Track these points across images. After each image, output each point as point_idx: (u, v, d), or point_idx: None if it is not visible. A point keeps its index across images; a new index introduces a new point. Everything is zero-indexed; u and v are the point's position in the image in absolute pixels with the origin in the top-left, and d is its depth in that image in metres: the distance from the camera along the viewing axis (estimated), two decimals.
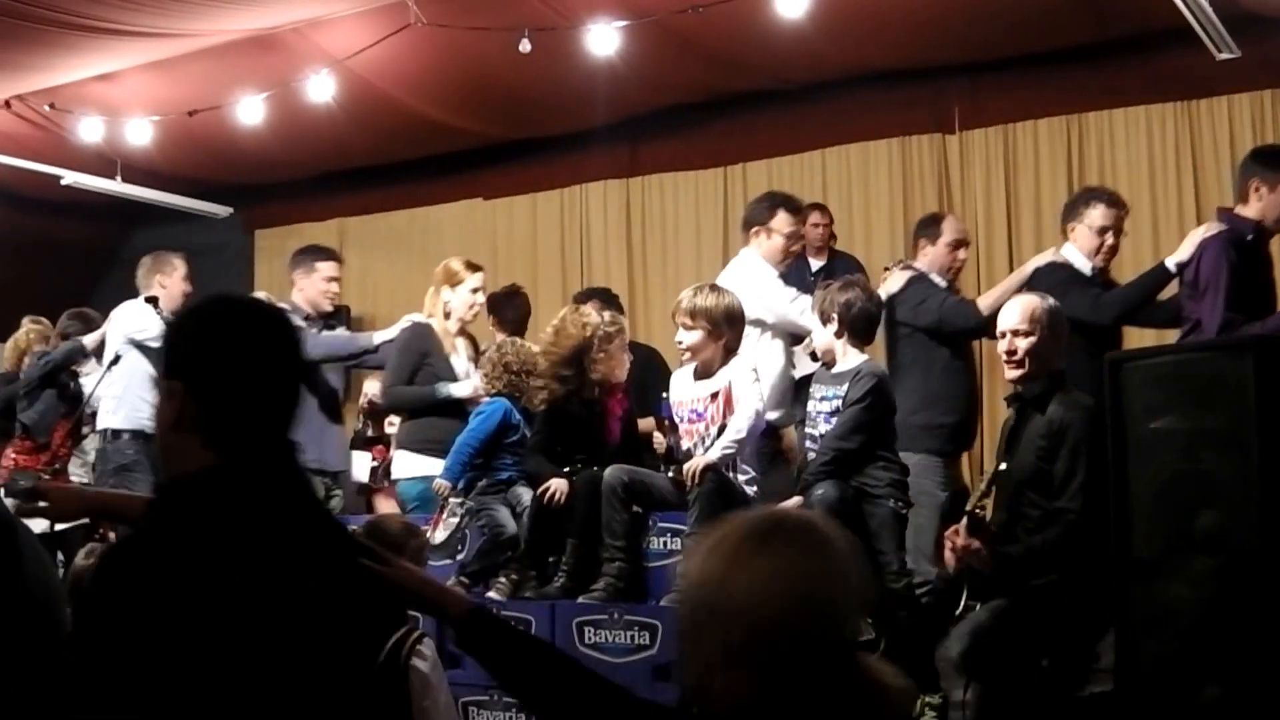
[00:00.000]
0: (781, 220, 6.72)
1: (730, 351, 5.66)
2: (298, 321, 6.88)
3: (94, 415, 8.08)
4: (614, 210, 10.84)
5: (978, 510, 4.63)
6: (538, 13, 7.91)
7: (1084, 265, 6.27)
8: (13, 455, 8.24)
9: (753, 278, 6.53)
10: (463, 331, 6.93)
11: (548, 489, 5.64)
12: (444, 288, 6.83)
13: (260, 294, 8.51)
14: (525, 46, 7.89)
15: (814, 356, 6.03)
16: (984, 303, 6.45)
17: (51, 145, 10.11)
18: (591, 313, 5.97)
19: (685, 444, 5.63)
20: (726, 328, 5.62)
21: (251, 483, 2.12)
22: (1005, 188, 9.44)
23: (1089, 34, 8.54)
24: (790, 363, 6.64)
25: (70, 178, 10.50)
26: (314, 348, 6.95)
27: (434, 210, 11.55)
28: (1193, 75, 8.52)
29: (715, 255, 10.40)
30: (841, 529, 2.01)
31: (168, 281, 8.00)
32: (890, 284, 6.62)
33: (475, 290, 6.85)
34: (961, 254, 6.87)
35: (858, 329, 5.59)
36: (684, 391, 5.73)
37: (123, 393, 7.72)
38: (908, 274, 6.63)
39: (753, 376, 5.60)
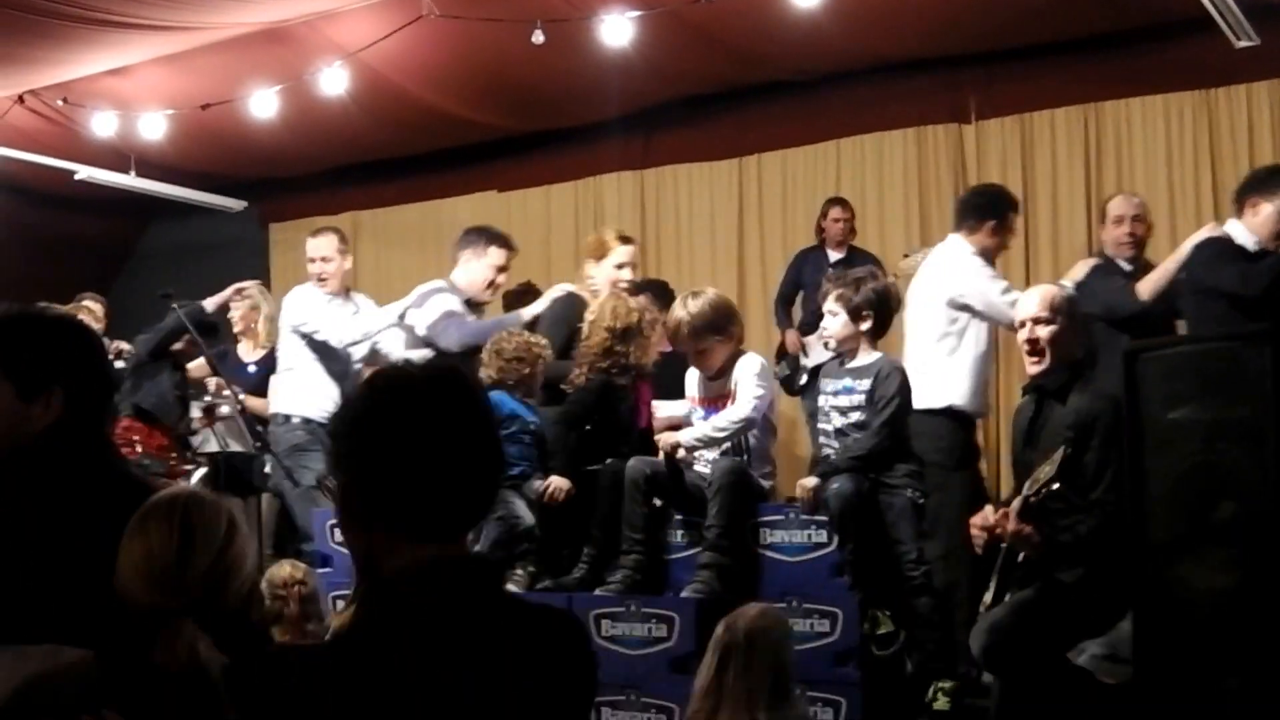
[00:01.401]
0: (1010, 220, 6.64)
1: (738, 342, 5.66)
2: (452, 305, 6.80)
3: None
4: (628, 202, 10.82)
5: (1031, 498, 4.56)
6: (550, 4, 7.89)
7: (1248, 241, 6.03)
8: (135, 438, 7.59)
9: (965, 265, 6.44)
10: None
11: (548, 486, 5.63)
12: (589, 261, 6.60)
13: (253, 282, 8.70)
14: (538, 38, 7.87)
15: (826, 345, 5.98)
16: (1144, 288, 6.34)
17: (65, 140, 10.12)
18: (639, 299, 5.99)
19: None
20: (727, 325, 5.62)
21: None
22: (1022, 177, 9.39)
23: (1106, 22, 8.49)
24: (992, 351, 6.59)
25: (84, 172, 10.50)
26: (465, 334, 6.70)
27: (447, 203, 11.54)
28: (1211, 63, 8.46)
29: (729, 247, 10.40)
30: None
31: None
32: (1075, 271, 6.65)
33: (620, 266, 6.49)
34: (1124, 230, 6.68)
35: (883, 323, 5.56)
36: (698, 389, 5.73)
37: (292, 378, 7.47)
38: (1093, 261, 6.67)
39: (757, 369, 5.59)
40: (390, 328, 7.07)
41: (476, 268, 7.00)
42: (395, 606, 1.91)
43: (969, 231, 6.53)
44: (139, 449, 7.46)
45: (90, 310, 8.68)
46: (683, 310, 5.62)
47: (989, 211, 6.55)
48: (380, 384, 2.06)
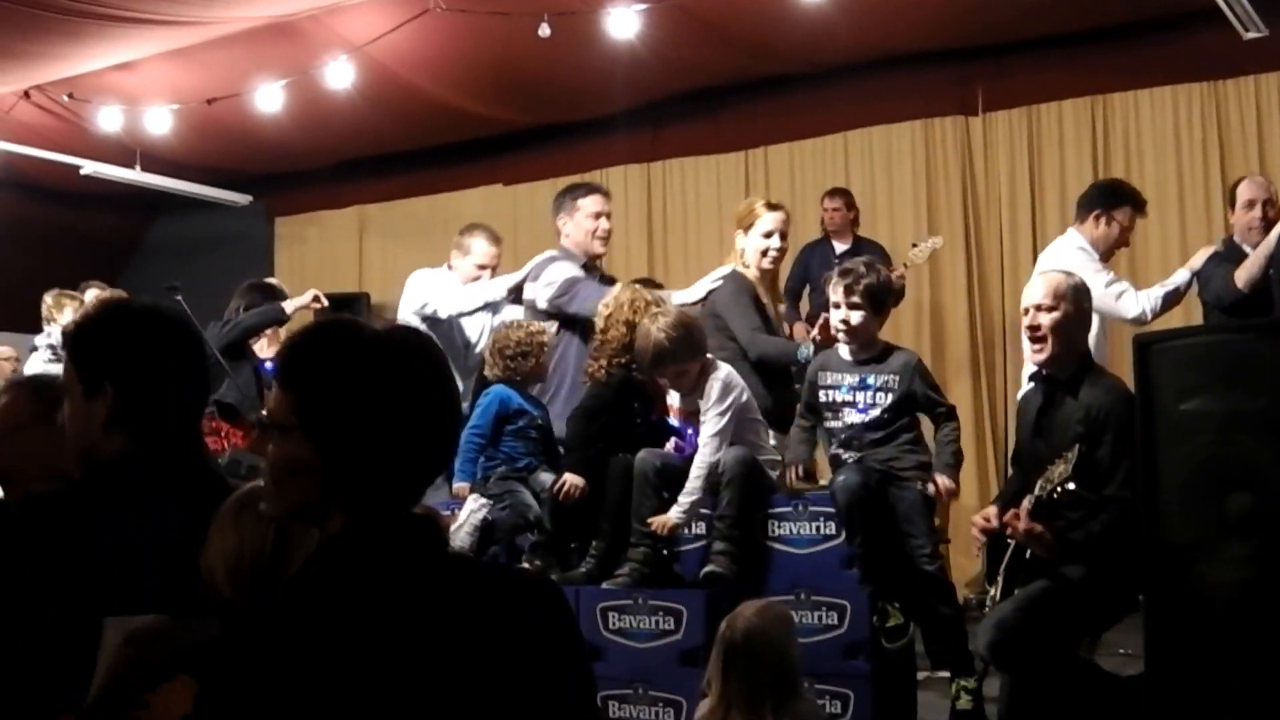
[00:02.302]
0: (1124, 214, 6.63)
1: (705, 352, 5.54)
2: (572, 270, 6.41)
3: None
4: (635, 195, 10.80)
5: (1044, 497, 4.52)
6: None
7: None
8: (228, 431, 7.31)
9: (1069, 256, 6.41)
10: (763, 279, 6.14)
11: (561, 484, 5.60)
12: (738, 232, 6.16)
13: (273, 280, 8.57)
14: (545, 31, 7.86)
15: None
16: (1241, 276, 6.30)
17: (71, 135, 10.13)
18: (651, 293, 5.94)
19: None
20: (701, 342, 5.49)
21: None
22: (1029, 170, 9.38)
23: (1114, 14, 8.47)
24: (1104, 342, 6.52)
25: (90, 167, 10.50)
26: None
27: (455, 196, 11.53)
28: (1219, 55, 8.43)
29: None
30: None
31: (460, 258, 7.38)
32: (1195, 260, 6.66)
33: (769, 234, 6.04)
34: (1255, 215, 6.59)
35: (887, 313, 5.54)
36: (679, 400, 5.69)
37: None
38: (1211, 249, 6.67)
39: (716, 392, 5.38)
40: (509, 306, 6.84)
41: (575, 225, 6.61)
42: (342, 563, 1.91)
43: (1079, 223, 6.65)
44: (225, 444, 7.19)
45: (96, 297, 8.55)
46: (661, 335, 5.34)
47: (1094, 202, 6.61)
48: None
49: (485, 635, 1.87)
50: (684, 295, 6.29)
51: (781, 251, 6.14)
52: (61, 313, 8.09)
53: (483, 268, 7.08)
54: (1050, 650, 4.55)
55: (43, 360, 8.06)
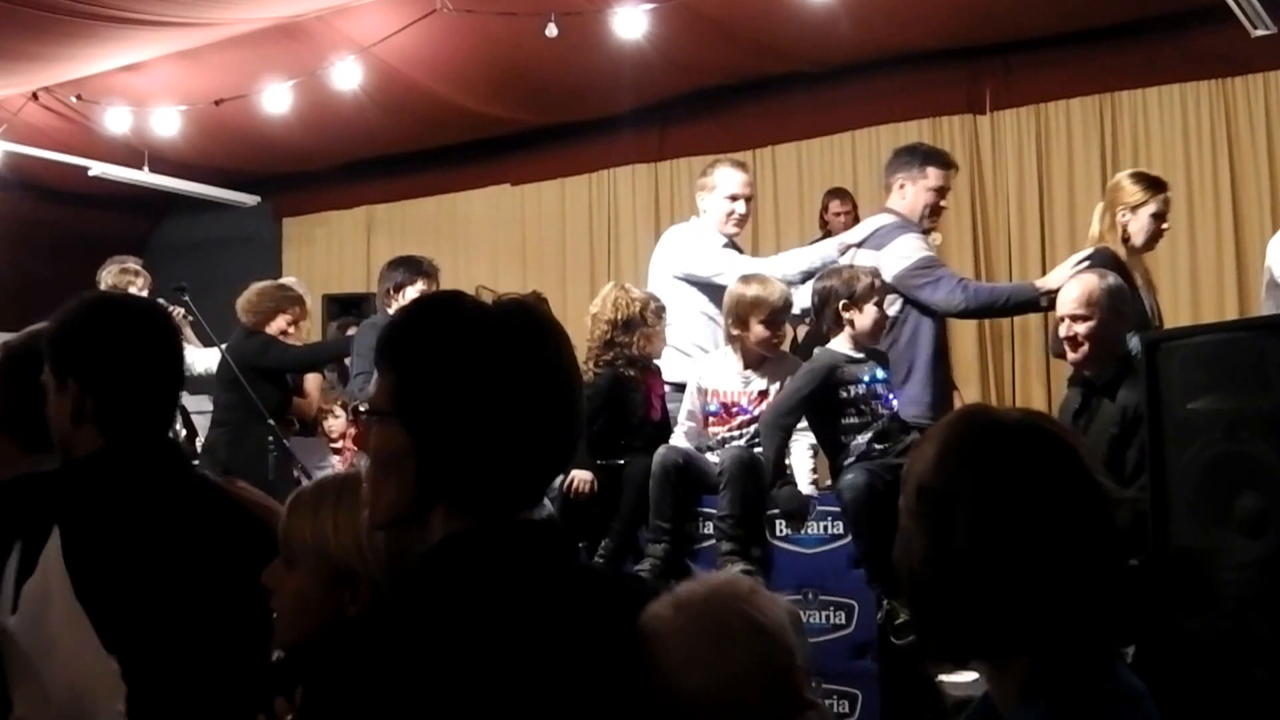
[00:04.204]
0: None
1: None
2: (926, 249, 5.88)
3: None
4: (642, 195, 10.80)
5: None
6: None
7: None
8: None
9: None
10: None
11: (571, 481, 5.59)
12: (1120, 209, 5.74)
13: (290, 279, 8.51)
14: (552, 31, 7.86)
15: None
16: None
17: (78, 136, 10.13)
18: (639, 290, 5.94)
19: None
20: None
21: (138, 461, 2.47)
22: (1038, 168, 9.36)
23: (1122, 11, 8.44)
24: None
25: (98, 169, 10.50)
26: (972, 297, 5.80)
27: (462, 197, 11.54)
28: (1228, 52, 8.41)
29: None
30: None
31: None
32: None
33: (1156, 215, 5.70)
34: None
35: None
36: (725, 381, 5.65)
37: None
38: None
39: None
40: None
41: (916, 191, 6.05)
42: (448, 576, 1.73)
43: None
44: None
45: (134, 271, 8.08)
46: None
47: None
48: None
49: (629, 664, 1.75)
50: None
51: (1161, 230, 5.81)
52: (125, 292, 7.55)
53: (735, 198, 6.20)
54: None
55: None
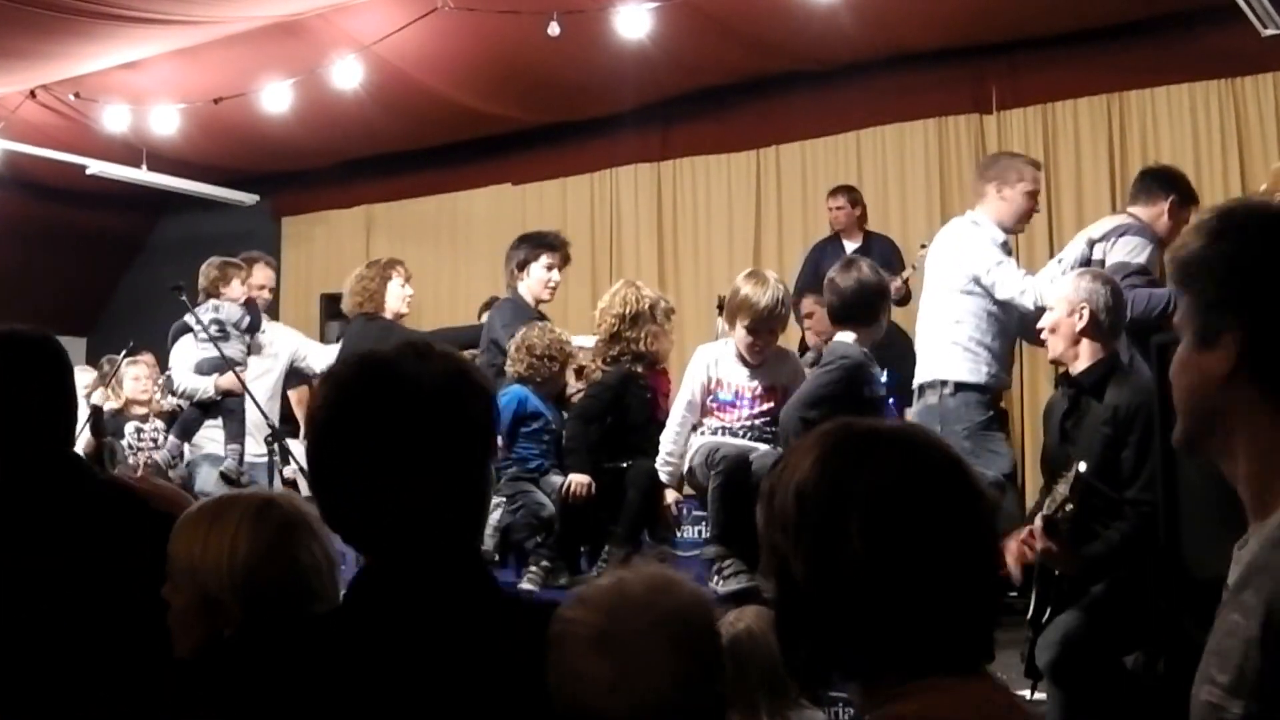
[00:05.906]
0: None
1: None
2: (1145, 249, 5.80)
3: None
4: (645, 194, 10.75)
5: (1049, 514, 4.40)
6: None
7: None
8: None
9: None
10: None
11: (568, 485, 5.53)
12: None
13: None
14: (554, 29, 7.81)
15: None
16: None
17: (76, 134, 10.10)
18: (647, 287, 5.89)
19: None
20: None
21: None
22: (1045, 169, 9.26)
23: (1130, 10, 8.40)
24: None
25: (95, 167, 10.47)
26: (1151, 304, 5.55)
27: (462, 196, 11.50)
28: (1237, 52, 8.33)
29: (747, 239, 10.32)
30: None
31: None
32: None
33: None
34: None
35: None
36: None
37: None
38: None
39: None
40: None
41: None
42: (379, 595, 1.85)
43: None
44: None
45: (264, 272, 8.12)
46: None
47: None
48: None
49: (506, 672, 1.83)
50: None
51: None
52: (229, 286, 7.52)
53: (1033, 195, 5.98)
54: (1109, 664, 4.45)
55: (193, 343, 7.36)
